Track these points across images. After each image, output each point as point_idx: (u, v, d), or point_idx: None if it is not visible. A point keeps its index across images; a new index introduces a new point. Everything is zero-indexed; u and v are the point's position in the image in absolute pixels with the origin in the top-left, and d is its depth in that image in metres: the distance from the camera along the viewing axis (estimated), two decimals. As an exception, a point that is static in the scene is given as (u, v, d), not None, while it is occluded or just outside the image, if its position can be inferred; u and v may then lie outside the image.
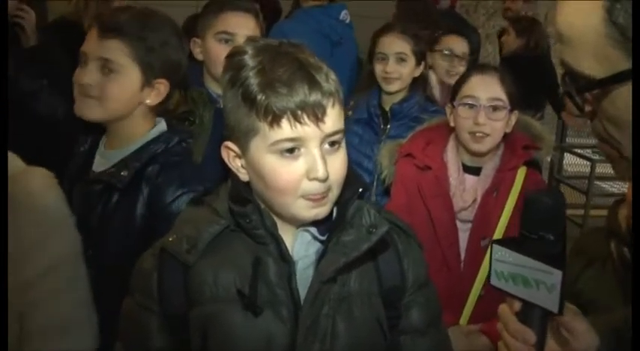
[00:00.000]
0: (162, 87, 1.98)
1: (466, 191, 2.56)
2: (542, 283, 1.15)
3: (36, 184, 1.52)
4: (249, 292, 1.36)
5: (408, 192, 2.65)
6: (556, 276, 1.15)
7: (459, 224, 2.56)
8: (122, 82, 1.91)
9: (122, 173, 1.90)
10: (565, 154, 7.10)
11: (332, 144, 1.35)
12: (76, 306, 1.57)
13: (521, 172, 2.55)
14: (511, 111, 2.52)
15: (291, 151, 1.31)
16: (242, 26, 2.39)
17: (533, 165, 2.63)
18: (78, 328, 1.56)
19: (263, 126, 1.30)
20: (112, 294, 1.56)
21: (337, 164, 1.35)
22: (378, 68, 3.13)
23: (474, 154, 2.56)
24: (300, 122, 1.29)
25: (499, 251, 1.19)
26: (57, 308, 1.52)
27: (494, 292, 2.34)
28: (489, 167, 2.58)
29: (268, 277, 1.38)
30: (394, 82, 3.11)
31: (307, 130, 1.30)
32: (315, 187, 1.33)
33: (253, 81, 1.30)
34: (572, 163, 7.32)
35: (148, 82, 1.95)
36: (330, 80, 1.34)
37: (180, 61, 2.02)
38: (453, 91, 2.61)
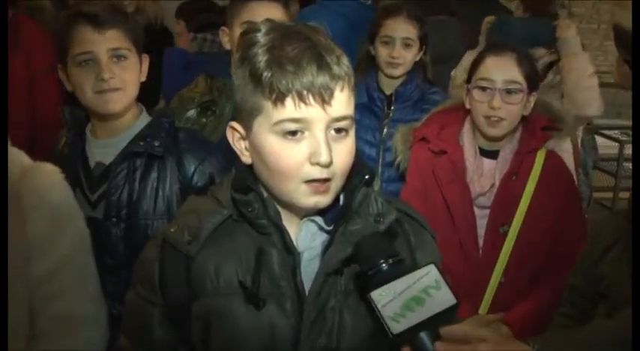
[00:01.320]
0: (146, 60, 2.12)
1: (483, 176, 2.50)
2: (429, 288, 1.15)
3: (43, 181, 1.51)
4: (252, 284, 1.32)
5: (423, 177, 2.60)
6: (432, 271, 1.16)
7: (476, 210, 2.50)
8: (132, 66, 2.04)
9: (155, 143, 2.00)
10: (594, 136, 6.95)
11: (339, 130, 1.30)
12: (86, 302, 1.56)
13: (541, 155, 2.49)
14: (529, 93, 2.45)
15: (294, 133, 1.27)
16: (268, 15, 2.35)
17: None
18: (88, 323, 1.55)
19: (267, 104, 1.27)
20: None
21: (343, 152, 1.30)
22: (383, 52, 3.03)
23: (490, 138, 2.50)
24: (305, 103, 1.25)
25: (380, 294, 1.15)
26: (67, 304, 1.51)
27: (514, 279, 2.43)
28: (507, 150, 2.51)
29: (272, 269, 1.34)
30: (398, 67, 3.03)
31: (312, 111, 1.26)
32: (316, 171, 1.28)
33: (261, 58, 1.26)
34: (600, 144, 7.13)
35: (140, 59, 2.08)
36: (341, 64, 1.29)
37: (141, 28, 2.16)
38: (469, 73, 2.54)
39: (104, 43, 1.99)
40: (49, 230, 1.48)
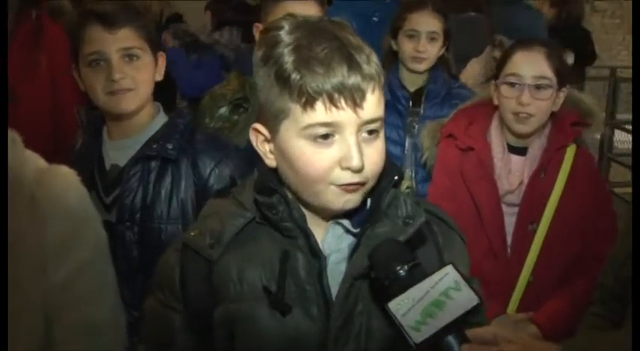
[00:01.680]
0: (161, 59, 2.08)
1: (512, 173, 2.45)
2: (449, 290, 1.12)
3: (59, 184, 1.46)
4: (277, 289, 1.28)
5: (451, 175, 2.56)
6: (450, 272, 1.13)
7: (504, 208, 2.46)
8: (145, 65, 2.01)
9: (169, 146, 1.97)
10: (615, 130, 6.91)
11: (370, 132, 1.25)
12: (105, 309, 1.51)
13: (571, 151, 2.44)
14: (559, 88, 2.40)
15: (324, 137, 1.23)
16: (303, 12, 2.33)
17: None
18: (107, 332, 1.51)
19: (295, 108, 1.22)
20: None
21: (375, 155, 1.26)
22: (408, 46, 2.97)
23: (518, 135, 2.46)
24: (336, 106, 1.21)
25: (398, 304, 1.12)
26: (86, 313, 1.47)
27: (543, 277, 2.40)
28: (536, 147, 2.46)
29: (297, 273, 1.30)
30: (423, 62, 2.97)
31: (343, 115, 1.21)
32: (347, 176, 1.24)
33: (288, 58, 1.21)
34: (622, 139, 7.07)
35: (155, 57, 2.04)
36: (371, 63, 1.24)
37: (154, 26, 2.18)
38: (497, 68, 2.50)
39: (115, 42, 1.96)
40: (65, 236, 1.44)
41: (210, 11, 4.63)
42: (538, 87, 2.37)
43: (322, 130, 1.22)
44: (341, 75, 1.20)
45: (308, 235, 1.30)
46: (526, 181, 2.44)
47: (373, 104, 1.24)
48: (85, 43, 1.97)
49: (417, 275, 1.14)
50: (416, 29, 2.95)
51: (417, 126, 2.95)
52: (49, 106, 2.92)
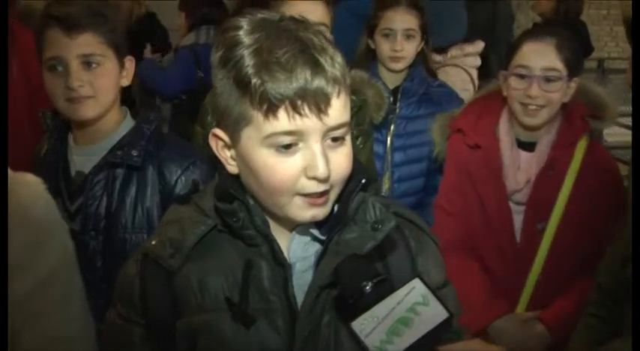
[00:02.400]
0: (129, 63, 1.99)
1: (520, 170, 2.39)
2: (416, 305, 1.07)
3: (23, 193, 1.42)
4: (239, 300, 1.22)
5: (459, 171, 2.50)
6: (417, 286, 1.08)
7: (513, 206, 2.40)
8: (108, 71, 1.92)
9: (133, 153, 1.90)
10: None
11: (335, 139, 1.18)
12: (71, 321, 1.46)
13: (581, 147, 2.35)
14: (570, 79, 2.32)
15: (288, 146, 1.15)
16: (308, 14, 2.25)
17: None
18: (72, 343, 1.45)
19: (257, 115, 1.15)
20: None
21: (340, 161, 1.19)
22: (384, 46, 2.86)
23: (527, 127, 2.38)
24: (299, 113, 1.13)
25: (362, 323, 1.07)
26: (50, 324, 1.42)
27: (552, 276, 2.33)
28: (545, 142, 2.39)
29: (261, 283, 1.24)
30: (401, 61, 2.87)
31: (307, 122, 1.14)
32: (313, 185, 1.17)
33: (248, 62, 1.14)
34: (612, 132, 7.05)
35: (121, 63, 1.96)
36: (335, 65, 1.17)
37: (125, 31, 2.03)
38: (506, 59, 2.43)
39: (74, 48, 1.87)
40: (29, 247, 1.39)
41: (184, 11, 4.53)
42: (547, 79, 2.30)
43: (286, 139, 1.15)
44: (303, 79, 1.13)
45: (271, 243, 1.24)
46: (533, 178, 2.37)
47: (339, 109, 1.17)
48: (45, 47, 1.89)
49: (384, 291, 1.09)
50: (391, 27, 2.84)
51: (392, 126, 2.86)
52: (26, 114, 2.79)
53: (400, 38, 2.82)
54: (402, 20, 2.84)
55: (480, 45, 3.41)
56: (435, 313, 1.06)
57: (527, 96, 2.31)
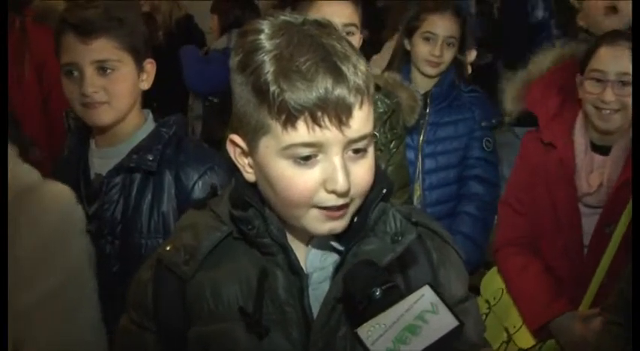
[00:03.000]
0: (149, 66, 1.91)
1: (593, 173, 2.31)
2: (425, 313, 1.01)
3: (50, 200, 1.41)
4: (253, 310, 1.14)
5: (531, 170, 2.44)
6: (426, 294, 1.02)
7: (582, 209, 2.32)
8: (124, 76, 1.84)
9: (149, 157, 1.82)
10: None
11: (357, 151, 1.09)
12: (83, 329, 1.44)
13: None
14: None
15: (307, 158, 1.07)
16: (337, 15, 2.17)
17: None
18: (85, 348, 1.43)
19: (275, 125, 1.06)
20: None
21: (362, 174, 1.11)
22: (423, 49, 2.77)
23: (602, 131, 2.28)
24: (319, 125, 1.05)
25: (368, 330, 1.01)
26: (62, 332, 1.40)
27: (617, 278, 2.17)
28: (620, 146, 2.28)
29: (276, 293, 1.15)
30: (438, 66, 2.79)
31: (328, 134, 1.05)
32: (332, 199, 1.08)
33: (268, 69, 1.05)
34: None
35: (139, 66, 1.88)
36: (359, 73, 1.07)
37: (147, 33, 1.94)
38: (582, 62, 2.34)
39: (88, 54, 1.80)
40: (48, 251, 1.38)
41: (217, 14, 4.50)
42: (623, 83, 2.22)
43: (304, 151, 1.06)
44: (324, 89, 1.04)
45: (288, 252, 1.14)
46: (606, 183, 2.27)
47: (361, 120, 1.07)
48: (62, 52, 1.83)
49: (394, 298, 1.02)
50: (434, 32, 2.76)
51: (423, 132, 2.79)
52: (40, 115, 2.76)
53: (441, 44, 2.74)
54: (445, 27, 2.76)
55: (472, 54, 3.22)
56: (444, 322, 1.00)
57: (601, 100, 2.23)
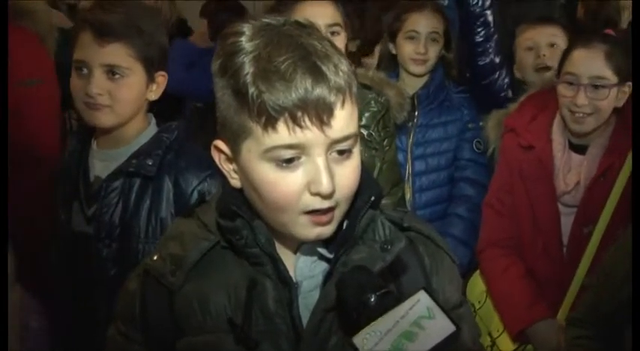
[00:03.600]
0: (161, 79, 1.89)
1: (570, 172, 2.32)
2: (421, 319, 0.99)
3: None
4: (242, 321, 1.12)
5: (511, 170, 2.45)
6: (422, 299, 1.00)
7: (562, 208, 2.34)
8: (131, 84, 1.84)
9: (148, 162, 1.81)
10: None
11: (341, 152, 1.07)
12: None
13: (630, 158, 2.21)
14: (622, 84, 2.23)
15: (289, 160, 1.05)
16: (320, 15, 2.19)
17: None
18: None
19: (256, 128, 1.04)
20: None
21: (347, 176, 1.08)
22: (408, 48, 2.78)
23: (576, 134, 2.29)
24: (300, 126, 1.03)
25: (363, 338, 0.98)
26: None
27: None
28: (597, 146, 2.30)
29: (265, 304, 1.13)
30: (424, 64, 2.80)
31: (309, 135, 1.03)
32: (317, 202, 1.06)
33: (246, 70, 1.03)
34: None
35: (150, 77, 1.87)
36: (339, 72, 1.05)
37: (166, 45, 1.93)
38: (559, 64, 2.34)
39: (100, 56, 1.80)
40: None
41: (206, 18, 4.46)
42: (596, 86, 2.21)
43: (286, 153, 1.04)
44: (304, 89, 1.02)
45: (276, 262, 1.12)
46: (583, 182, 2.28)
47: (343, 120, 1.05)
48: (76, 48, 1.83)
49: (389, 304, 1.00)
50: (416, 30, 2.77)
51: (412, 134, 2.79)
52: (55, 113, 2.61)
53: (424, 41, 2.75)
54: (426, 23, 2.78)
55: None
56: (441, 327, 0.98)
57: (574, 104, 2.23)
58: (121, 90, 1.81)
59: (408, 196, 2.73)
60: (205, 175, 1.83)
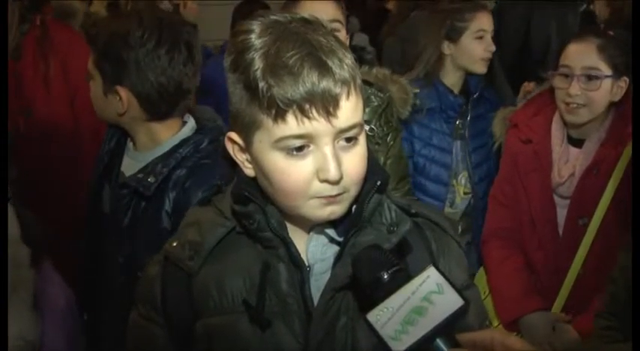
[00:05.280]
0: (123, 94, 1.82)
1: (566, 165, 2.38)
2: (430, 294, 1.02)
3: None
4: (256, 302, 1.18)
5: (512, 162, 2.53)
6: (432, 275, 1.03)
7: (557, 200, 2.39)
8: (92, 87, 1.87)
9: (149, 180, 1.80)
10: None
11: (348, 140, 1.13)
12: None
13: (628, 151, 2.27)
14: (618, 78, 2.29)
15: (299, 149, 1.11)
16: (321, 12, 2.20)
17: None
18: None
19: (266, 120, 1.10)
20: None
21: (354, 162, 1.14)
22: (478, 47, 2.82)
23: (571, 125, 2.36)
24: (308, 117, 1.09)
25: (377, 314, 1.02)
26: None
27: (593, 271, 2.26)
28: (593, 140, 2.36)
29: (278, 285, 1.19)
30: (488, 63, 2.88)
31: (317, 125, 1.09)
32: (326, 189, 1.12)
33: (256, 66, 1.09)
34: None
35: (108, 89, 1.83)
36: (344, 66, 1.11)
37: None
38: (555, 59, 2.42)
39: None
40: None
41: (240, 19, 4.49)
42: (589, 77, 2.29)
43: (296, 143, 1.10)
44: (310, 83, 1.08)
45: (288, 245, 1.18)
46: (577, 174, 2.34)
47: (349, 111, 1.11)
48: None
49: (401, 280, 1.04)
50: (485, 29, 2.81)
51: (465, 126, 2.86)
52: (67, 112, 2.73)
53: (490, 39, 2.81)
54: (490, 22, 2.84)
55: None
56: (450, 302, 1.02)
57: (567, 94, 2.30)
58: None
59: (462, 189, 2.81)
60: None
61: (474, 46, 2.81)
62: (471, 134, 2.84)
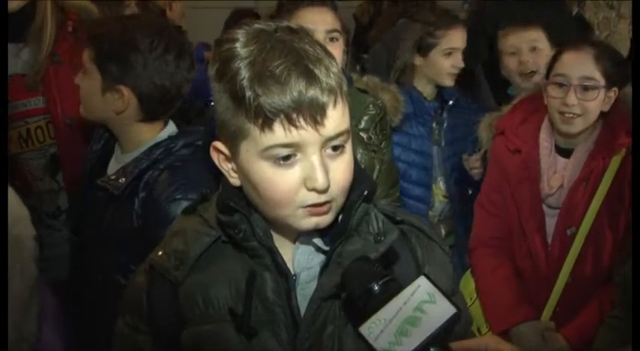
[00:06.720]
0: (126, 93, 1.86)
1: (555, 175, 2.37)
2: (423, 304, 1.02)
3: None
4: (243, 311, 1.18)
5: (500, 171, 2.52)
6: (422, 285, 1.03)
7: (546, 210, 2.39)
8: (87, 84, 1.89)
9: (120, 180, 1.83)
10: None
11: (335, 148, 1.13)
12: None
13: (615, 162, 2.29)
14: (609, 88, 2.29)
15: (286, 158, 1.11)
16: (319, 22, 2.26)
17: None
18: None
19: (253, 129, 1.10)
20: (108, 311, 1.43)
21: (341, 170, 1.14)
22: (446, 63, 2.91)
23: (565, 135, 2.35)
24: (295, 126, 1.09)
25: (369, 327, 1.02)
26: None
27: (581, 280, 2.28)
28: (582, 150, 2.35)
29: (265, 294, 1.19)
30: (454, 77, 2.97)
31: (304, 134, 1.09)
32: (314, 197, 1.12)
33: (242, 75, 1.09)
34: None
35: (108, 87, 1.86)
36: (331, 74, 1.11)
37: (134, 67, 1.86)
38: (548, 68, 2.40)
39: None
40: None
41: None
42: (585, 88, 2.27)
43: (283, 152, 1.10)
44: (297, 92, 1.08)
45: (274, 254, 1.18)
46: (566, 184, 2.34)
47: (336, 119, 1.12)
48: None
49: (392, 290, 1.04)
50: (455, 47, 2.89)
51: (441, 133, 2.92)
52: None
53: (459, 55, 2.88)
54: (462, 39, 2.91)
55: None
56: (442, 310, 1.02)
57: (564, 104, 2.29)
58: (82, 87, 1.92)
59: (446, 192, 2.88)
60: (178, 196, 1.81)
61: (442, 62, 2.90)
62: (447, 141, 2.91)
